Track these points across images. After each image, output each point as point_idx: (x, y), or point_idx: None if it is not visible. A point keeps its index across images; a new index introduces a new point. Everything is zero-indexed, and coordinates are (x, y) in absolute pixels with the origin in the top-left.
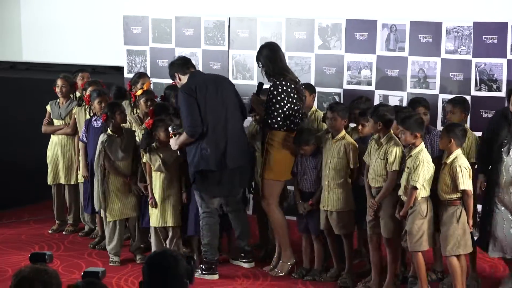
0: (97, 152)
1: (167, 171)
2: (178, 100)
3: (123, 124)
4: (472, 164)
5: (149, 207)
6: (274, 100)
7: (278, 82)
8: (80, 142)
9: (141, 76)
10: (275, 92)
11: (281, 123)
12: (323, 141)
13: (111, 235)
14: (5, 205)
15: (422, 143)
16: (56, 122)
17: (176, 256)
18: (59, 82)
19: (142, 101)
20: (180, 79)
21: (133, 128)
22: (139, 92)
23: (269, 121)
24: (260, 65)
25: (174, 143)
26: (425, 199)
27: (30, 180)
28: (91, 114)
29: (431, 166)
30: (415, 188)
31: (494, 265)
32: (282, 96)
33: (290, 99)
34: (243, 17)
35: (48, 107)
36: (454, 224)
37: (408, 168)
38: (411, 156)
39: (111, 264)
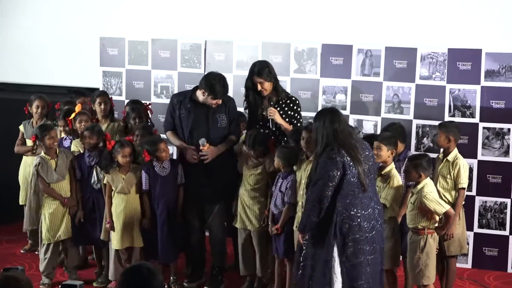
0: (30, 175)
1: (129, 193)
2: (233, 108)
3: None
4: (461, 190)
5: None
6: (298, 117)
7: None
8: None
9: (100, 94)
10: (299, 109)
11: None
12: (297, 162)
13: (43, 257)
14: None
15: (393, 163)
16: (29, 143)
17: (152, 270)
18: (38, 103)
19: (77, 122)
20: None
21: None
22: (73, 115)
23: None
24: (270, 80)
25: (215, 152)
26: (393, 219)
27: (3, 200)
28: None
29: (400, 186)
30: (384, 206)
31: None
32: None
33: None
34: (219, 40)
35: (21, 127)
36: (417, 254)
37: (377, 186)
38: (381, 175)
39: (41, 286)
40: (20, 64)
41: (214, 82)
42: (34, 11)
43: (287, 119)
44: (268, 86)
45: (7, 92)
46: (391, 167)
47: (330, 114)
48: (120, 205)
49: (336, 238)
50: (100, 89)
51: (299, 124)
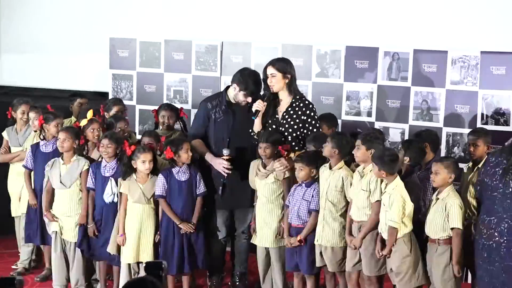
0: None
1: (146, 204)
2: None
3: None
4: None
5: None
6: (313, 122)
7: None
8: (24, 168)
9: (115, 102)
10: (313, 114)
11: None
12: (321, 172)
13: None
14: None
15: (398, 177)
16: (14, 149)
17: (156, 284)
18: (24, 108)
19: (88, 131)
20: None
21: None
22: (84, 122)
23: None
24: (286, 76)
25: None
26: (407, 235)
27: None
28: (41, 138)
29: (408, 201)
30: (394, 228)
31: None
32: None
33: None
34: (236, 41)
35: (4, 134)
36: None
37: (384, 205)
38: (385, 192)
39: None
40: (25, 67)
41: (248, 78)
42: (39, 10)
43: (300, 124)
44: (277, 81)
45: (11, 96)
46: (396, 183)
47: None
48: (135, 216)
49: None
50: (110, 93)
51: (314, 130)
